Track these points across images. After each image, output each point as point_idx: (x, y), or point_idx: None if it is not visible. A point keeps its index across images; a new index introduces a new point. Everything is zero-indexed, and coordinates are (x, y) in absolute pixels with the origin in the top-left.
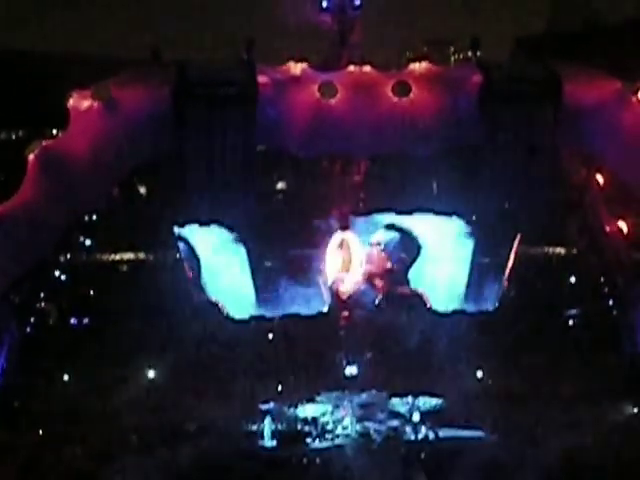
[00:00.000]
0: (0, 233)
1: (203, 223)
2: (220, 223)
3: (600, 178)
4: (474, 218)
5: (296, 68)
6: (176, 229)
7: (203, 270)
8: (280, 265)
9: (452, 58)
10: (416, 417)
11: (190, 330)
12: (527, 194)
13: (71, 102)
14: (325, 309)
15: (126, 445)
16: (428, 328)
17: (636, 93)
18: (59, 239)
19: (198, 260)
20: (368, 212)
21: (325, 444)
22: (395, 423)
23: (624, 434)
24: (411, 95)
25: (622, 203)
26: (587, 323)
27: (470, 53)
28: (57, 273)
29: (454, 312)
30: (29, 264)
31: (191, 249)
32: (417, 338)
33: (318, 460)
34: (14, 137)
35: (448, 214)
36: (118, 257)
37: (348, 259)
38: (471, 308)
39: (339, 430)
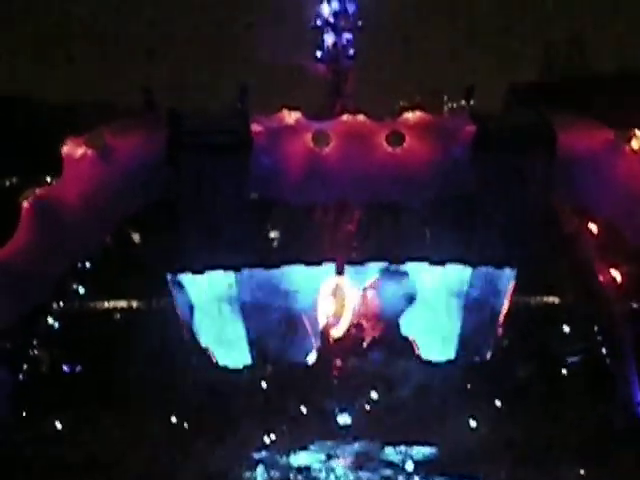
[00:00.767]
0: None
1: (196, 271)
2: (213, 270)
3: (593, 226)
4: (467, 267)
5: (290, 117)
6: (169, 276)
7: (196, 317)
8: (272, 312)
9: (446, 107)
10: (409, 466)
11: (183, 378)
12: (520, 242)
13: (65, 149)
14: (316, 356)
15: None
16: (421, 376)
17: (629, 142)
18: (52, 286)
19: (192, 307)
20: (361, 261)
21: None
22: (388, 472)
23: None
24: (405, 145)
25: (615, 252)
26: (580, 372)
27: (464, 102)
28: (50, 320)
29: (448, 361)
30: (22, 311)
31: (185, 296)
32: (410, 386)
33: None
34: (7, 184)
35: (442, 262)
36: (111, 305)
37: (341, 304)
38: (464, 357)
39: (332, 479)
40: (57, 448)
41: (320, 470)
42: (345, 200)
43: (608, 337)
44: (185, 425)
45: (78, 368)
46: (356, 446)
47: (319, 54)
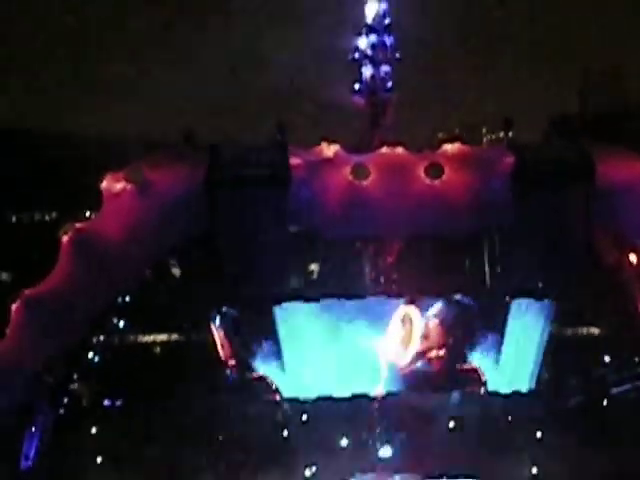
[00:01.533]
0: (34, 314)
1: (239, 303)
2: (257, 302)
3: (634, 257)
4: (507, 298)
5: (329, 149)
6: (213, 310)
7: (241, 350)
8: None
9: (484, 139)
10: None
11: (223, 410)
12: (561, 274)
13: (104, 184)
14: (384, 386)
15: None
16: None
17: None
18: (93, 320)
19: (235, 340)
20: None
21: None
22: None
23: None
24: (443, 177)
25: None
26: (623, 404)
27: (502, 134)
28: (90, 354)
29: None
30: (63, 345)
31: (229, 329)
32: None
33: None
34: (47, 218)
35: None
36: (151, 338)
37: (409, 334)
38: (506, 388)
39: None
40: None
41: None
42: (384, 233)
43: None
44: (225, 457)
45: (118, 402)
46: (397, 478)
47: (357, 86)
